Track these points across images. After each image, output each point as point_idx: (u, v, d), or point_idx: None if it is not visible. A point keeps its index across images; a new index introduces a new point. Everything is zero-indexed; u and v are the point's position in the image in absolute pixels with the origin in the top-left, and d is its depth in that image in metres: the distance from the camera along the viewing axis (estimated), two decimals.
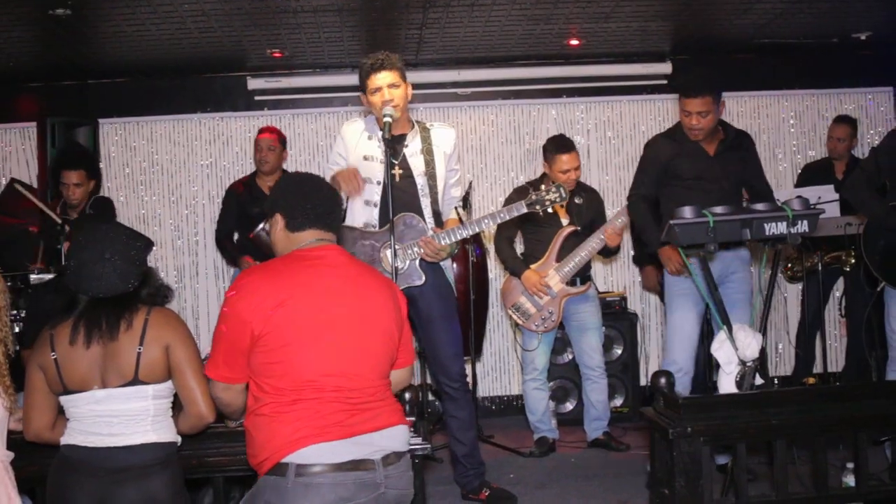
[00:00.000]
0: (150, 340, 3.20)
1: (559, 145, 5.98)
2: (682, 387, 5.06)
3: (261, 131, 6.80)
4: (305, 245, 3.06)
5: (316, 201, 3.09)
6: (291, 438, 2.76)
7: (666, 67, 7.75)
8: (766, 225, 4.18)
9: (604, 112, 7.89)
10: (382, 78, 4.63)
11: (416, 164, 4.76)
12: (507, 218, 4.94)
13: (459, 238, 4.76)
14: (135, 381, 3.17)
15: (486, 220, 4.87)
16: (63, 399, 3.23)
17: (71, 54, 6.86)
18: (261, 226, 6.10)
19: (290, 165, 7.26)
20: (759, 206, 4.27)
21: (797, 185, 7.06)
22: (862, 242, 5.15)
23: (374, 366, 2.95)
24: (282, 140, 6.80)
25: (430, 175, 4.78)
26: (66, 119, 7.27)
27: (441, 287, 4.86)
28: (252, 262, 6.40)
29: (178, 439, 3.32)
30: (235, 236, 6.76)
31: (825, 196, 6.11)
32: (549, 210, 4.86)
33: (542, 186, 4.86)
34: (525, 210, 4.81)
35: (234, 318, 2.88)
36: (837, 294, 7.33)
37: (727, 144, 5.17)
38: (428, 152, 4.79)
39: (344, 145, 4.77)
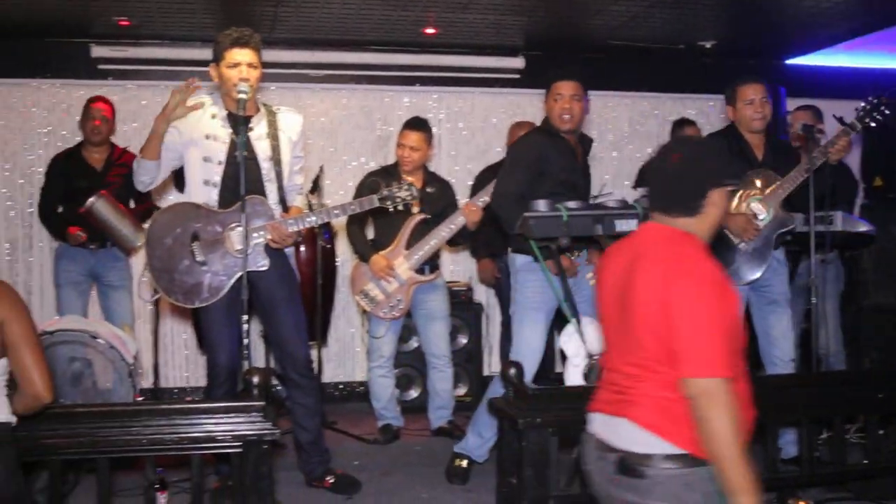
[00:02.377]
0: None
1: (407, 122, 6.04)
2: None
3: (94, 100, 6.42)
4: None
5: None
6: None
7: (518, 62, 7.84)
8: (617, 221, 4.26)
9: (456, 102, 7.91)
10: (244, 55, 4.49)
11: (262, 148, 4.64)
12: (358, 211, 4.90)
13: (308, 226, 4.70)
14: None
15: (336, 211, 4.80)
16: None
17: None
18: (92, 200, 5.83)
19: (135, 139, 6.96)
20: (612, 203, 4.35)
21: (636, 185, 7.21)
22: None
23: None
24: (113, 111, 6.52)
25: (276, 161, 4.66)
26: None
27: (284, 271, 4.77)
28: (80, 232, 6.13)
29: (13, 419, 3.14)
30: (60, 209, 6.42)
31: None
32: (401, 207, 4.84)
33: (395, 183, 4.85)
34: (377, 205, 4.78)
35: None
36: None
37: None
38: (274, 137, 4.67)
39: (184, 120, 4.56)
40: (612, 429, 2.71)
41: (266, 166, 4.64)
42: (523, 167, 4.92)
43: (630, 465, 2.62)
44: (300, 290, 4.95)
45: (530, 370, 4.88)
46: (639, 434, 2.62)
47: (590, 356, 4.38)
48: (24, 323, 3.12)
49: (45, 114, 7.31)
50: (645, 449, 2.60)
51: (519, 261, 4.99)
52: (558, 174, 4.87)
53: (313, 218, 4.69)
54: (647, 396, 2.63)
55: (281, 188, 4.70)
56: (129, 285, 6.50)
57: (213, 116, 4.60)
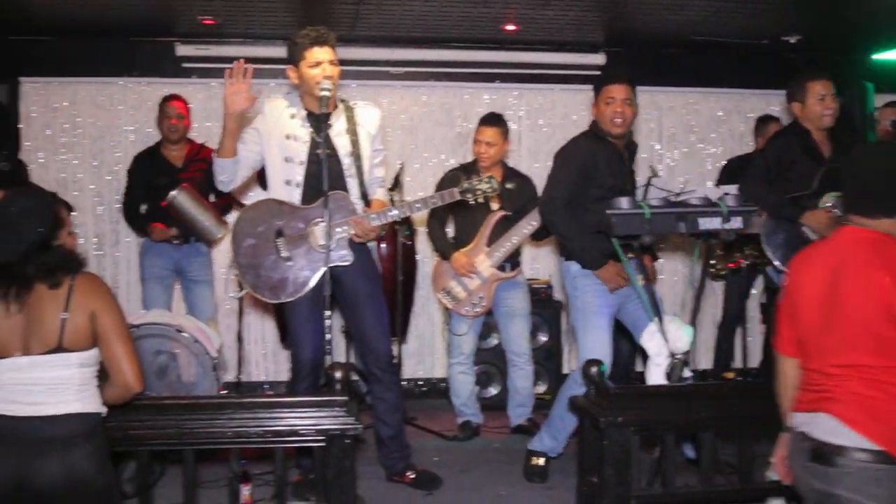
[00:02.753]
0: (75, 306, 3.10)
1: (483, 118, 6.06)
2: None
3: (168, 99, 6.57)
4: None
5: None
6: None
7: (599, 58, 7.79)
8: (700, 219, 4.21)
9: (536, 99, 7.89)
10: (324, 53, 4.55)
11: (342, 144, 4.69)
12: (440, 203, 4.91)
13: (390, 220, 4.73)
14: (59, 349, 3.07)
15: (417, 205, 4.86)
16: None
17: None
18: (174, 192, 5.95)
19: (219, 136, 7.05)
20: (695, 200, 4.30)
21: (719, 182, 7.11)
22: (763, 237, 5.22)
23: None
24: (188, 108, 6.64)
25: (356, 155, 4.71)
26: None
27: (367, 266, 4.82)
28: (164, 228, 6.29)
29: (104, 410, 3.22)
30: (143, 208, 6.57)
31: None
32: (481, 200, 4.84)
33: (475, 176, 4.86)
34: (458, 197, 4.79)
35: None
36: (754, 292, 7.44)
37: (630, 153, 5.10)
38: (353, 132, 4.72)
39: (264, 121, 4.67)
40: (812, 423, 2.86)
41: (347, 162, 4.69)
42: (571, 173, 4.89)
43: (823, 453, 2.79)
44: (382, 285, 4.99)
45: None
46: (837, 427, 2.77)
47: (672, 355, 4.35)
48: (114, 314, 3.20)
49: (132, 112, 7.46)
50: (841, 441, 2.75)
51: (574, 267, 4.95)
52: (606, 179, 4.85)
53: (395, 212, 4.72)
54: (850, 394, 2.78)
55: (362, 183, 4.74)
56: (212, 280, 6.63)
57: (293, 116, 4.66)
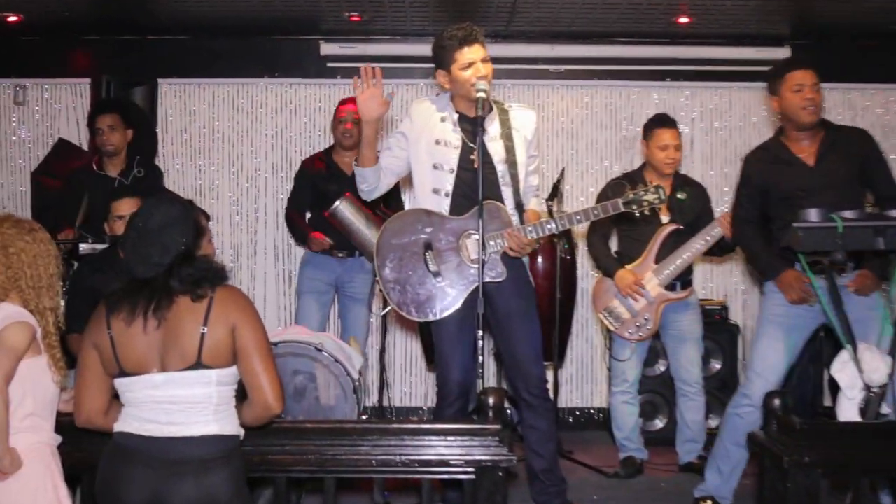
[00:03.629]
0: (215, 320, 3.15)
1: (660, 120, 5.98)
2: (749, 424, 4.91)
3: (344, 102, 6.63)
4: None
5: None
6: None
7: (784, 52, 7.58)
8: None
9: (711, 99, 7.77)
10: (475, 51, 4.55)
11: (496, 150, 4.67)
12: (602, 216, 4.85)
13: (548, 233, 4.69)
14: (197, 365, 3.13)
15: (578, 217, 4.81)
16: (118, 382, 3.20)
17: (130, 7, 6.87)
18: (336, 203, 6.06)
19: None
20: (895, 213, 4.15)
21: None
22: None
23: None
24: None
25: (511, 162, 4.68)
26: (123, 77, 7.32)
27: (521, 284, 4.78)
28: (323, 238, 6.39)
29: (241, 432, 3.28)
30: (308, 215, 6.72)
31: None
32: (647, 212, 4.78)
33: (640, 186, 4.80)
34: (622, 209, 4.72)
35: None
36: None
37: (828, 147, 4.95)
38: (508, 137, 4.70)
39: (411, 126, 4.70)
40: None
41: (501, 169, 4.67)
42: (745, 189, 5.10)
43: None
44: (537, 304, 4.96)
45: (764, 388, 4.72)
46: None
47: (867, 388, 4.20)
48: (255, 328, 3.24)
49: (273, 115, 7.68)
50: None
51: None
52: (779, 191, 4.88)
53: (553, 224, 4.68)
54: None
55: (517, 192, 4.71)
56: (370, 299, 6.70)
57: (443, 120, 4.68)
